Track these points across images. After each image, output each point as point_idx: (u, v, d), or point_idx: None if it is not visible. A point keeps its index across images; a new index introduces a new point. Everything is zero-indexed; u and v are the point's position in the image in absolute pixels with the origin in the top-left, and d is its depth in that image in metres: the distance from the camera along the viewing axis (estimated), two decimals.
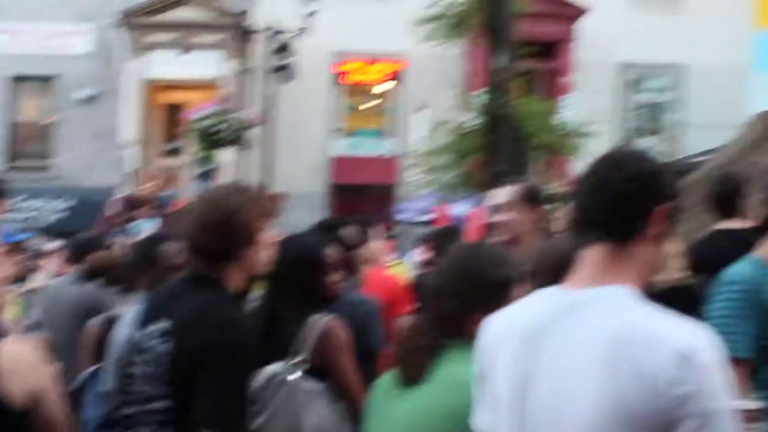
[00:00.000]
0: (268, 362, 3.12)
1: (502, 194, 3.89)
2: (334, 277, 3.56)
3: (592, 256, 1.85)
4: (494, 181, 11.41)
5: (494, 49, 11.45)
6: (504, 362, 1.85)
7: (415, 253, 9.74)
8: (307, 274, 3.45)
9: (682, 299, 3.84)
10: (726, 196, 4.53)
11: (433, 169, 16.79)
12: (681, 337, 1.67)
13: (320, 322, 3.29)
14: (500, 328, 1.91)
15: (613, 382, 1.66)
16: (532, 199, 3.90)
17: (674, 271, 4.04)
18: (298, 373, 3.14)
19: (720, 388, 1.67)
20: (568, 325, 1.77)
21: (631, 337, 1.68)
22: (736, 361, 3.09)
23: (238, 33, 19.13)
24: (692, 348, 1.66)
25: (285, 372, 3.11)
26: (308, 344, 3.21)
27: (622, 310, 1.74)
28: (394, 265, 7.99)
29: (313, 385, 3.14)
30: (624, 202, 1.82)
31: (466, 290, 2.41)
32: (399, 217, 18.38)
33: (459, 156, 16.08)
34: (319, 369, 3.19)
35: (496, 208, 3.87)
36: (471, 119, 15.10)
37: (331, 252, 3.60)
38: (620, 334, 1.69)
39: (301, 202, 19.88)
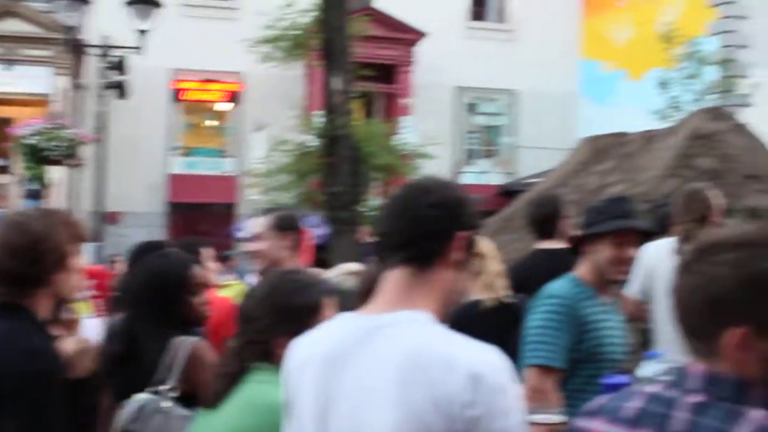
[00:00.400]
0: (129, 388, 2.98)
1: (256, 224, 3.95)
2: (201, 297, 3.35)
3: (392, 280, 1.85)
4: (332, 201, 11.58)
5: (332, 71, 11.53)
6: (306, 386, 1.84)
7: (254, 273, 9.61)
8: (170, 294, 3.25)
9: (506, 317, 3.97)
10: (545, 217, 4.72)
11: (272, 189, 16.71)
12: (472, 360, 1.69)
13: (185, 345, 3.11)
14: (303, 352, 1.90)
15: (410, 406, 1.67)
16: (284, 227, 3.95)
17: (498, 290, 4.16)
18: (169, 401, 2.97)
19: (512, 408, 1.70)
20: (365, 349, 1.77)
21: (425, 361, 1.69)
22: (549, 370, 3.28)
23: (70, 48, 18.44)
24: (483, 370, 1.68)
25: (156, 400, 2.97)
26: (176, 369, 3.05)
27: (417, 334, 1.75)
28: (230, 286, 7.85)
29: (186, 411, 3.00)
30: (426, 227, 1.83)
31: (271, 314, 2.41)
32: (238, 236, 18.17)
33: (298, 176, 16.08)
34: (189, 394, 3.06)
35: (253, 238, 3.92)
36: (310, 140, 15.12)
37: (198, 271, 3.40)
38: (415, 358, 1.70)
39: (138, 221, 19.36)
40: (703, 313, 1.53)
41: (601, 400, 1.72)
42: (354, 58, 12.35)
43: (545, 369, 3.29)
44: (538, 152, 21.29)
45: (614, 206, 3.50)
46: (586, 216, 3.54)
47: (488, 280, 4.16)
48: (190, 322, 3.33)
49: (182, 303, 3.28)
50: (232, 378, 2.43)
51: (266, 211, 4.14)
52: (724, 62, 18.93)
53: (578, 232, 3.56)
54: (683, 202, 5.00)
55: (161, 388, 3.00)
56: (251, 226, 3.98)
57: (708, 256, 1.55)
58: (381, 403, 1.70)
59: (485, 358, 1.72)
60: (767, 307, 1.50)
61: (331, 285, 2.80)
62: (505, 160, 23.74)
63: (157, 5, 15.48)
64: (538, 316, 3.39)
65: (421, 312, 1.80)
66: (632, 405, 1.61)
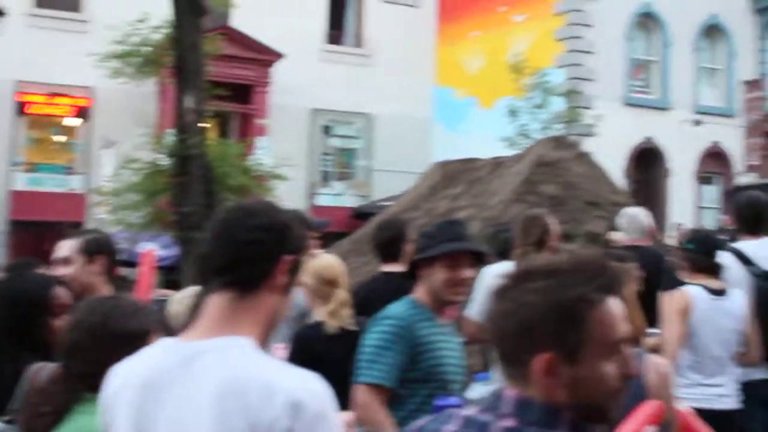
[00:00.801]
0: None
1: (63, 248, 3.82)
2: (63, 320, 2.99)
3: (214, 304, 1.81)
4: (183, 221, 11.34)
5: (184, 89, 11.33)
6: (123, 414, 1.77)
7: None
8: (29, 316, 3.05)
9: (349, 344, 3.94)
10: (388, 241, 4.76)
11: (120, 208, 16.22)
12: (293, 387, 1.68)
13: (44, 372, 2.90)
14: (120, 379, 1.83)
15: None
16: (93, 251, 3.85)
17: (344, 318, 4.15)
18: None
19: None
20: (183, 376, 1.72)
21: (243, 388, 1.67)
22: (379, 389, 3.32)
23: None
24: (304, 397, 1.67)
25: (8, 429, 2.73)
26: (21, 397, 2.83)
27: (236, 361, 1.71)
28: None
29: None
30: (250, 251, 1.80)
31: (105, 343, 2.31)
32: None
33: (147, 195, 15.68)
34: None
35: (60, 262, 3.79)
36: (161, 158, 14.78)
37: (61, 292, 3.16)
38: (233, 385, 1.67)
39: None
40: (515, 338, 1.56)
41: (420, 423, 1.73)
42: (208, 77, 12.18)
43: (375, 387, 3.33)
44: (393, 175, 21.57)
45: (446, 230, 3.56)
46: (420, 240, 3.60)
47: (334, 308, 4.15)
48: (51, 345, 3.02)
49: (42, 325, 3.08)
50: (61, 409, 2.31)
51: (75, 233, 3.93)
52: (570, 93, 19.75)
53: (415, 257, 3.60)
54: (522, 227, 5.16)
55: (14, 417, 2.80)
56: (60, 248, 3.79)
57: (521, 283, 1.59)
58: (197, 431, 1.66)
59: (306, 386, 1.71)
60: (572, 333, 1.53)
61: (158, 310, 2.70)
62: (360, 182, 23.92)
63: (0, 14, 14.84)
64: (373, 336, 3.42)
65: (241, 338, 1.77)
66: (448, 428, 1.62)
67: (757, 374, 4.87)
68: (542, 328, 1.53)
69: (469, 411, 1.64)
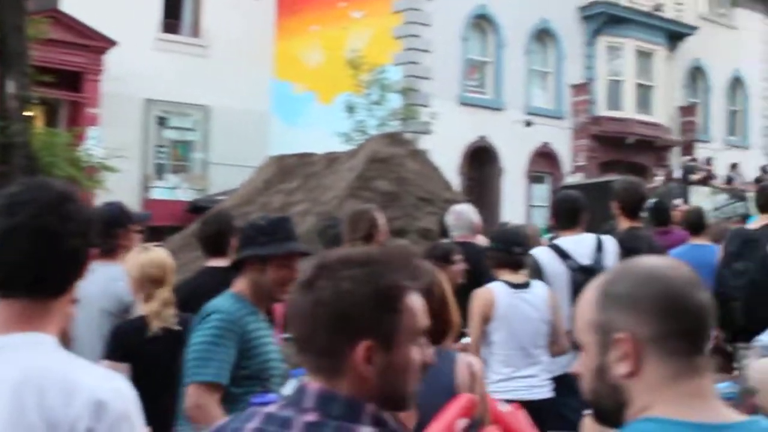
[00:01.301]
0: None
1: None
2: None
3: (10, 302, 1.72)
4: None
5: (6, 74, 10.74)
6: None
7: None
8: None
9: (173, 344, 3.82)
10: (213, 235, 4.66)
11: None
12: (96, 386, 1.63)
13: None
14: None
15: (23, 430, 1.58)
16: None
17: (167, 318, 4.01)
18: None
19: None
20: None
21: (43, 384, 1.61)
22: (212, 386, 3.23)
23: None
24: (107, 397, 1.63)
25: None
26: None
27: (37, 357, 1.65)
28: None
29: None
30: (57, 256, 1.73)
31: None
32: None
33: None
34: None
35: None
36: None
37: None
38: (32, 380, 1.61)
39: None
40: (331, 328, 1.55)
41: (224, 421, 1.70)
42: (33, 62, 11.61)
43: (208, 386, 3.24)
44: (230, 169, 21.26)
45: (281, 227, 3.50)
46: (249, 234, 3.51)
47: (157, 308, 4.01)
48: None
49: None
50: None
51: None
52: (406, 91, 20.05)
53: (245, 253, 3.52)
54: (350, 222, 5.17)
55: None
56: None
57: (334, 273, 1.58)
58: None
59: (109, 385, 1.67)
60: (388, 320, 1.55)
61: None
62: (196, 176, 23.45)
63: None
64: (202, 333, 3.32)
65: (42, 335, 1.70)
66: (250, 426, 1.59)
67: (573, 366, 5.06)
68: (362, 316, 1.53)
69: (271, 408, 1.62)
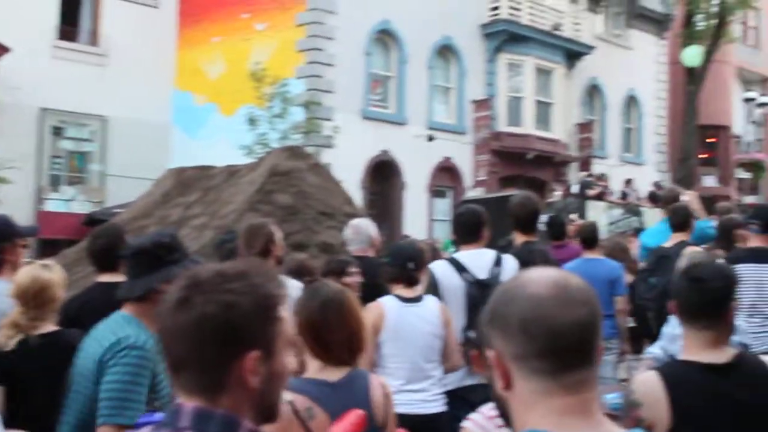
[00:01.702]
0: None
1: None
2: None
3: None
4: None
5: None
6: None
7: None
8: None
9: (55, 363, 3.64)
10: (103, 249, 4.51)
11: None
12: None
13: None
14: None
15: None
16: None
17: (36, 327, 3.85)
18: None
19: None
20: None
21: None
22: (126, 427, 2.99)
23: None
24: None
25: None
26: None
27: None
28: None
29: None
30: None
31: None
32: None
33: None
34: None
35: None
36: None
37: None
38: None
39: None
40: (217, 342, 1.54)
41: None
42: None
43: (123, 427, 3.03)
44: (129, 181, 20.79)
45: (179, 242, 3.37)
46: (155, 254, 3.29)
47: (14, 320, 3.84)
48: None
49: None
50: None
51: None
52: (309, 104, 20.00)
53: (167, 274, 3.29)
54: (246, 237, 5.10)
55: None
56: None
57: (213, 287, 1.57)
58: None
59: None
60: (270, 330, 1.59)
61: None
62: (92, 188, 22.85)
63: None
64: (121, 370, 3.07)
65: None
66: None
67: (468, 380, 5.09)
68: (248, 327, 1.55)
69: (148, 428, 1.62)
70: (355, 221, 6.78)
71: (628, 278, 7.80)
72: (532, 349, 1.50)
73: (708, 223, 8.17)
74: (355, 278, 5.64)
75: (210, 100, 23.27)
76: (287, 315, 1.65)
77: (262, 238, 5.08)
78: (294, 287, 4.18)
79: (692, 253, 5.19)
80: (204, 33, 23.62)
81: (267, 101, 19.15)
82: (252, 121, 19.00)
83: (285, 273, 5.24)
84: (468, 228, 5.48)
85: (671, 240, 7.18)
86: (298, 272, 5.51)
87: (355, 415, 2.69)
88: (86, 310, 4.08)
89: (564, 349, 1.49)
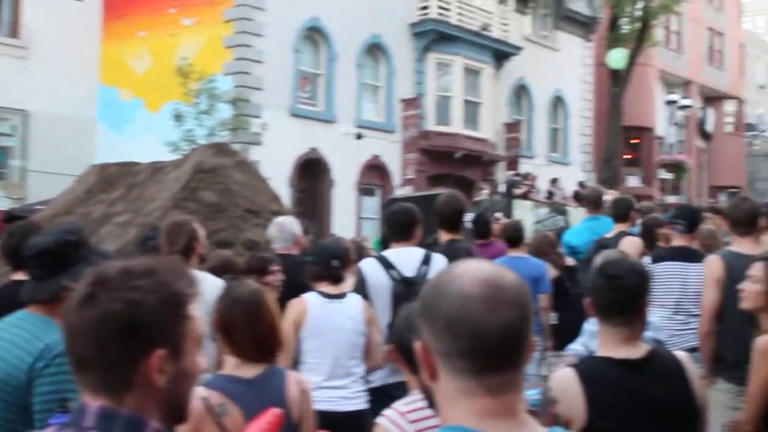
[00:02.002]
0: None
1: None
2: None
3: None
4: None
5: None
6: None
7: None
8: None
9: None
10: (17, 248, 4.33)
11: None
12: None
13: None
14: None
15: None
16: None
17: None
18: None
19: None
20: None
21: None
22: None
23: None
24: None
25: None
26: None
27: None
28: None
29: None
30: None
31: None
32: None
33: None
34: None
35: None
36: None
37: None
38: None
39: None
40: (123, 339, 1.52)
41: None
42: None
43: None
44: (52, 177, 20.28)
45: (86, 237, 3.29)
46: (64, 252, 3.18)
47: None
48: None
49: None
50: None
51: None
52: (237, 101, 19.80)
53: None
54: (168, 234, 5.01)
55: None
56: None
57: (119, 284, 1.54)
58: None
59: None
60: (178, 327, 1.57)
61: None
62: (13, 184, 22.26)
63: None
64: (61, 378, 2.91)
65: None
66: None
67: (393, 377, 5.09)
68: (155, 325, 1.54)
69: (52, 428, 1.58)
70: (279, 219, 6.74)
71: (553, 272, 7.90)
72: (456, 348, 1.48)
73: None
74: (276, 276, 5.60)
75: (136, 96, 22.86)
76: (197, 313, 1.62)
77: (184, 235, 5.00)
78: (215, 285, 4.12)
79: (607, 252, 5.28)
80: (130, 27, 23.19)
81: (194, 97, 18.89)
82: (178, 118, 18.73)
83: (209, 270, 5.16)
84: (400, 226, 5.49)
85: (613, 231, 7.64)
86: (222, 269, 5.45)
87: (272, 414, 2.67)
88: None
89: (488, 351, 1.47)
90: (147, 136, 20.59)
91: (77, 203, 11.71)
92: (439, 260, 5.34)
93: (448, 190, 6.82)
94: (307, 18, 22.66)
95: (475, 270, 1.52)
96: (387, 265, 5.30)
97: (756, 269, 4.30)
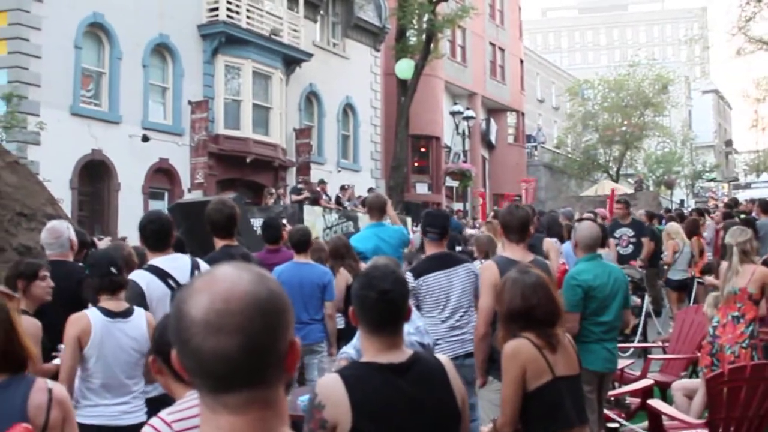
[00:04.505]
0: None
1: None
2: None
3: None
4: None
5: None
6: None
7: None
8: None
9: None
10: None
11: None
12: None
13: None
14: None
15: None
16: None
17: None
18: None
19: None
20: None
21: None
22: None
23: None
24: None
25: None
26: None
27: None
28: None
29: None
30: None
31: None
32: None
33: None
34: None
35: None
36: None
37: None
38: None
39: None
40: None
41: None
42: None
43: None
44: None
45: None
46: None
47: None
48: None
49: None
50: None
51: None
52: (11, 97, 18.60)
53: None
54: None
55: None
56: None
57: None
58: None
59: None
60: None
61: None
62: None
63: None
64: None
65: None
66: None
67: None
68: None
69: None
70: (52, 223, 6.33)
71: (348, 278, 7.96)
72: (188, 366, 1.43)
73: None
74: (46, 282, 5.28)
75: None
76: None
77: None
78: None
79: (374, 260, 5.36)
80: None
81: None
82: None
83: None
84: (160, 234, 5.32)
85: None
86: None
87: (19, 428, 2.58)
88: None
89: (212, 374, 1.42)
90: None
91: None
92: (205, 267, 5.24)
93: (217, 196, 6.71)
94: (88, 13, 21.63)
95: (211, 288, 1.43)
96: (161, 274, 5.13)
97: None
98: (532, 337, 4.14)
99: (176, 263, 5.20)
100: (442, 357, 3.27)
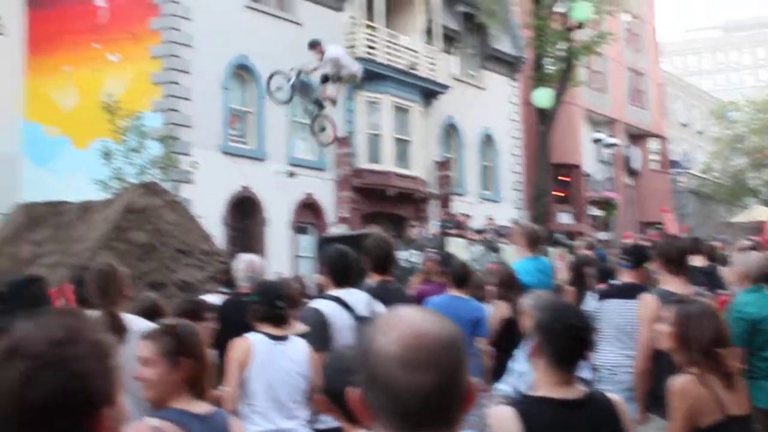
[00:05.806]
0: None
1: None
2: None
3: None
4: None
5: None
6: None
7: None
8: None
9: None
10: None
11: None
12: None
13: None
14: None
15: None
16: None
17: None
18: None
19: None
20: None
21: None
22: None
23: None
24: None
25: None
26: None
27: None
28: None
29: None
30: None
31: None
32: None
33: None
34: None
35: None
36: None
37: None
38: None
39: None
40: (70, 416, 1.45)
41: None
42: None
43: None
44: None
45: (22, 291, 3.18)
46: None
47: None
48: None
49: None
50: None
51: None
52: (166, 138, 19.48)
53: None
54: (98, 283, 4.79)
55: None
56: None
57: (52, 357, 1.45)
58: None
59: None
60: (114, 379, 1.52)
61: None
62: None
63: None
64: None
65: None
66: None
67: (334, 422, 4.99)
68: (100, 388, 1.49)
69: None
70: (247, 257, 6.64)
71: (508, 312, 7.87)
72: (380, 406, 1.45)
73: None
74: (210, 324, 5.49)
75: (63, 132, 22.30)
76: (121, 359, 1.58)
77: (115, 283, 4.82)
78: (144, 328, 3.99)
79: (545, 295, 5.28)
80: (54, 62, 22.67)
81: (122, 134, 18.55)
82: (107, 155, 18.34)
83: (137, 313, 5.01)
84: (350, 271, 5.43)
85: None
86: (152, 312, 5.28)
87: None
88: None
89: (407, 413, 1.43)
90: (75, 172, 20.14)
91: (5, 243, 11.38)
92: (378, 303, 5.29)
93: (377, 231, 6.78)
94: (234, 55, 22.48)
95: (400, 326, 1.46)
96: (344, 305, 5.22)
97: (667, 311, 4.32)
98: (706, 373, 3.98)
99: (354, 297, 5.28)
100: (614, 396, 3.23)
